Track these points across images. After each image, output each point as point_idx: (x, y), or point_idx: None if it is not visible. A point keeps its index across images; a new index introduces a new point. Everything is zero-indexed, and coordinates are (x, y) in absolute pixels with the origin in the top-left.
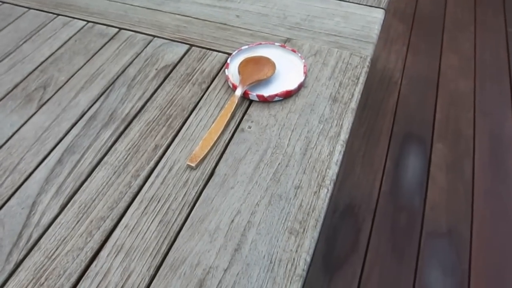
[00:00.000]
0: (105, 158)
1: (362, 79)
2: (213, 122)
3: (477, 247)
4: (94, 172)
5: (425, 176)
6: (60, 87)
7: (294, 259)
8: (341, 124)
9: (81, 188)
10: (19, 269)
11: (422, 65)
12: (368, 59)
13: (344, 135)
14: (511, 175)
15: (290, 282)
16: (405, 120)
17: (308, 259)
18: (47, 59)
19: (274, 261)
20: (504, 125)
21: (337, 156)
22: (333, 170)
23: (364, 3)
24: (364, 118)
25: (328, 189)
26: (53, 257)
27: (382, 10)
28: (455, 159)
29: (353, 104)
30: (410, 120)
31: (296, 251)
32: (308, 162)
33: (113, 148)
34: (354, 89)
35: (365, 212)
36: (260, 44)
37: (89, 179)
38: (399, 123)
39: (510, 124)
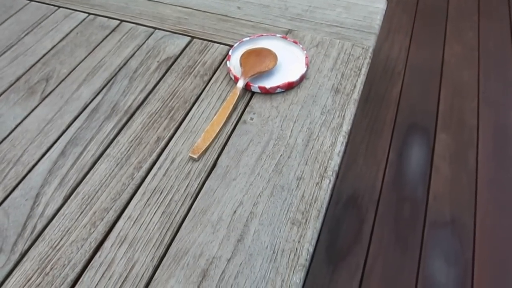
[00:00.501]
0: (108, 150)
1: (364, 70)
2: (215, 114)
3: (481, 236)
4: (97, 164)
5: (429, 166)
6: (63, 80)
7: (296, 249)
8: (343, 115)
9: (84, 180)
10: (24, 259)
11: (426, 55)
12: (370, 50)
13: (346, 126)
14: None
15: (293, 272)
16: (409, 111)
17: (311, 249)
18: (49, 51)
19: (277, 251)
20: (508, 115)
21: (339, 147)
22: (335, 161)
23: None
24: (367, 109)
25: (330, 180)
26: (58, 247)
27: (384, 0)
28: (459, 149)
29: (356, 95)
30: (413, 110)
31: (299, 241)
32: (310, 153)
33: (115, 140)
34: (356, 80)
35: (368, 203)
36: (262, 35)
37: (92, 171)
38: (403, 114)
39: None
